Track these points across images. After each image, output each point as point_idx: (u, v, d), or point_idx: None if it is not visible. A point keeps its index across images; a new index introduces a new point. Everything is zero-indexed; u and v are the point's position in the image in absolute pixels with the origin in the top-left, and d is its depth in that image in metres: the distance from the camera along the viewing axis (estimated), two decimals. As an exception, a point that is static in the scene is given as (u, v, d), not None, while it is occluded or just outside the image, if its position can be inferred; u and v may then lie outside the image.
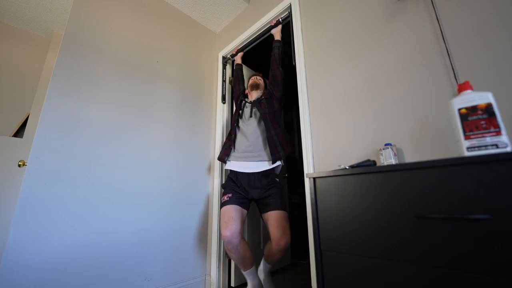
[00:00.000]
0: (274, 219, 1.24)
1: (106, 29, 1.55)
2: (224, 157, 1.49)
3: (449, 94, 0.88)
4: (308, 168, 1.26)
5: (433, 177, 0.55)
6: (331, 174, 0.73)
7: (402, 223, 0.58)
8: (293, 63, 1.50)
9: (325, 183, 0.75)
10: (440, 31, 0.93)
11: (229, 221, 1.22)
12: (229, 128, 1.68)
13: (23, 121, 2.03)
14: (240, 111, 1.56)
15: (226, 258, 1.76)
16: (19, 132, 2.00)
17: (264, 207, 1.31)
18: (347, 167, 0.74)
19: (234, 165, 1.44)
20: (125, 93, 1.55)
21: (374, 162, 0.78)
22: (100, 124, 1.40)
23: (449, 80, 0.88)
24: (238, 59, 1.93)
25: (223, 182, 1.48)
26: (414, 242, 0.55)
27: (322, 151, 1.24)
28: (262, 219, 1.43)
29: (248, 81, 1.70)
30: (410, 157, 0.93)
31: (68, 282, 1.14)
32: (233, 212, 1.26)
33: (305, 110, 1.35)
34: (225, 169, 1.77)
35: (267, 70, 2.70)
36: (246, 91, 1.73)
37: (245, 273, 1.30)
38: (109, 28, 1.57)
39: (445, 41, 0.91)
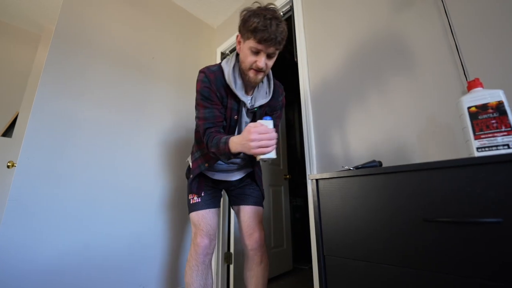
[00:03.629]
0: (253, 215, 1.10)
1: (99, 24, 1.55)
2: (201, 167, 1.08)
3: (458, 91, 0.88)
4: (311, 169, 1.26)
5: (441, 179, 0.55)
6: (335, 176, 0.73)
7: (409, 227, 0.58)
8: (295, 59, 1.50)
9: (329, 185, 0.75)
10: (449, 26, 0.93)
11: (208, 230, 1.05)
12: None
13: (12, 120, 2.03)
14: (237, 116, 1.02)
15: (225, 264, 1.76)
16: (8, 132, 2.00)
17: (241, 199, 1.15)
18: (352, 168, 0.74)
19: (215, 175, 1.14)
20: (120, 91, 1.55)
21: (380, 163, 0.79)
22: (93, 123, 1.40)
23: (458, 77, 0.88)
24: None
25: (190, 177, 1.13)
26: (421, 247, 0.55)
27: (325, 151, 1.24)
28: (233, 211, 1.24)
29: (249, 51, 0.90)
30: (417, 158, 0.93)
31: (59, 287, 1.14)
32: (212, 219, 1.07)
33: (308, 109, 1.35)
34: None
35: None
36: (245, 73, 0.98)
37: None
38: (102, 23, 1.57)
39: (454, 36, 0.91)
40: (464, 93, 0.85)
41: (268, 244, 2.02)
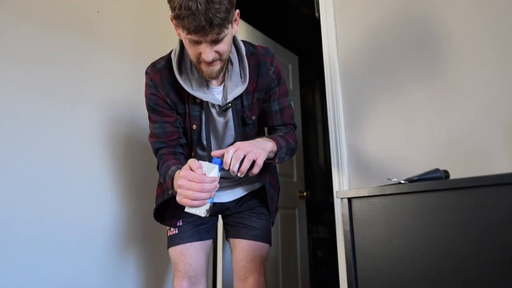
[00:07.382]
0: (251, 253, 1.17)
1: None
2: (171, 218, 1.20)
3: None
4: (340, 182, 1.27)
5: (540, 197, 0.55)
6: (378, 193, 0.73)
7: (492, 270, 0.58)
8: (316, 15, 1.50)
9: (368, 206, 0.75)
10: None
11: (187, 271, 1.15)
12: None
13: None
14: (196, 126, 1.11)
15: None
16: None
17: (236, 229, 1.23)
18: (403, 182, 0.74)
19: None
20: (47, 63, 1.55)
21: (446, 174, 0.79)
22: (3, 113, 1.40)
23: None
24: None
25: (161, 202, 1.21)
26: (510, 301, 0.56)
27: (362, 155, 1.25)
28: (228, 244, 1.33)
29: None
30: (504, 166, 0.93)
31: None
32: (193, 256, 1.16)
33: (336, 89, 1.35)
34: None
35: (272, 28, 2.70)
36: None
37: None
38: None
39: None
40: None
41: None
